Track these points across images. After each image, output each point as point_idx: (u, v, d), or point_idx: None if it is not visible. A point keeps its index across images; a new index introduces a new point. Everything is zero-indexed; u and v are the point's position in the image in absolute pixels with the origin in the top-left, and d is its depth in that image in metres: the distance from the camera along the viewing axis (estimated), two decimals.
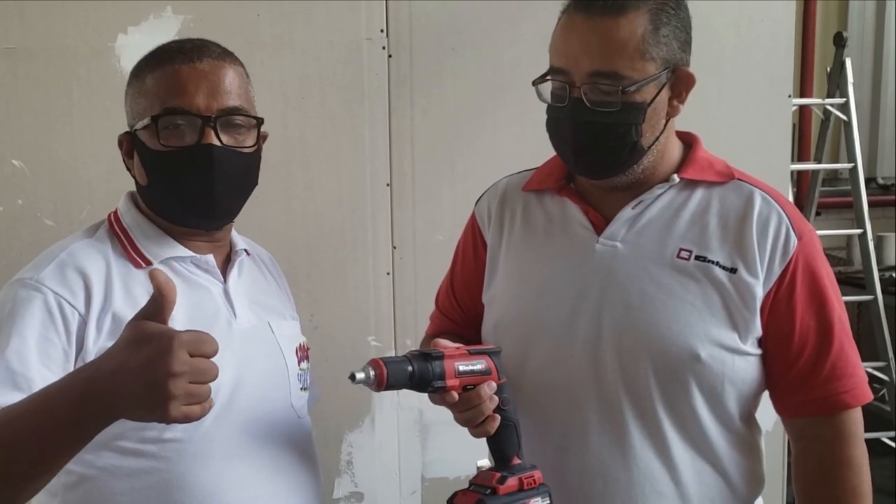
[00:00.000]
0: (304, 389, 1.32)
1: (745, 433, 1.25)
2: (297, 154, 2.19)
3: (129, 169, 1.25)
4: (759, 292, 1.19)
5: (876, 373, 3.62)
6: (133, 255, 1.20)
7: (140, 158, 1.20)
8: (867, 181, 3.95)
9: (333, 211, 2.23)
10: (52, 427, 0.89)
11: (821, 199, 4.18)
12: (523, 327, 1.28)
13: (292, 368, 1.29)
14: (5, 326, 1.08)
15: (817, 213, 4.29)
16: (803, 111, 4.77)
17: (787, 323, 1.20)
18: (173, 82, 1.15)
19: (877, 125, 5.28)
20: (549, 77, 1.20)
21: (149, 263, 1.19)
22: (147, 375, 0.84)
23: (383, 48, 2.20)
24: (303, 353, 1.33)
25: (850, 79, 3.66)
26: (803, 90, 4.74)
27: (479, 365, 1.14)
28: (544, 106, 1.23)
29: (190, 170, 1.16)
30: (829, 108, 3.77)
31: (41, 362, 1.07)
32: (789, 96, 2.37)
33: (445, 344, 1.16)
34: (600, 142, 1.18)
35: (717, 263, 1.19)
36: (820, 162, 4.02)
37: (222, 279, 1.25)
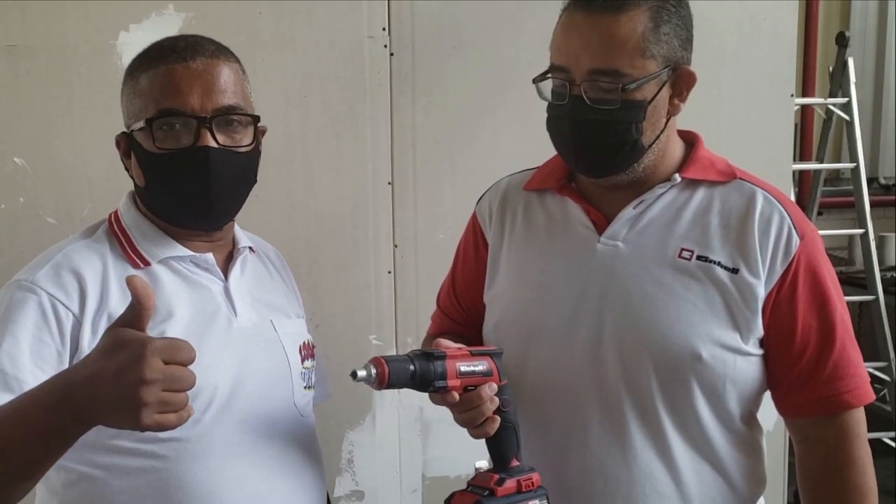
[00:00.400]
0: (309, 388, 1.31)
1: (747, 433, 1.25)
2: (298, 152, 2.19)
3: (127, 169, 1.24)
4: (761, 292, 1.18)
5: (877, 373, 3.61)
6: (131, 255, 1.19)
7: (137, 160, 1.19)
8: (869, 181, 3.93)
9: (335, 209, 2.22)
10: (29, 432, 0.89)
11: (822, 198, 4.17)
12: (524, 327, 1.28)
13: (295, 366, 1.28)
14: None
15: (819, 213, 4.28)
16: (805, 111, 4.77)
17: (789, 323, 1.19)
18: (167, 82, 1.14)
19: (879, 125, 5.28)
20: (549, 75, 1.20)
21: (147, 264, 1.19)
22: (120, 382, 0.83)
23: (385, 46, 2.19)
24: (307, 352, 1.32)
25: (853, 78, 3.65)
26: (805, 90, 4.73)
27: (480, 366, 1.14)
28: (546, 105, 1.23)
29: (186, 172, 1.15)
30: (831, 107, 3.76)
31: (34, 364, 1.06)
32: (791, 96, 2.36)
33: (447, 344, 1.16)
34: (600, 140, 1.18)
35: (719, 263, 1.19)
36: (822, 162, 4.01)
37: (223, 277, 1.24)
